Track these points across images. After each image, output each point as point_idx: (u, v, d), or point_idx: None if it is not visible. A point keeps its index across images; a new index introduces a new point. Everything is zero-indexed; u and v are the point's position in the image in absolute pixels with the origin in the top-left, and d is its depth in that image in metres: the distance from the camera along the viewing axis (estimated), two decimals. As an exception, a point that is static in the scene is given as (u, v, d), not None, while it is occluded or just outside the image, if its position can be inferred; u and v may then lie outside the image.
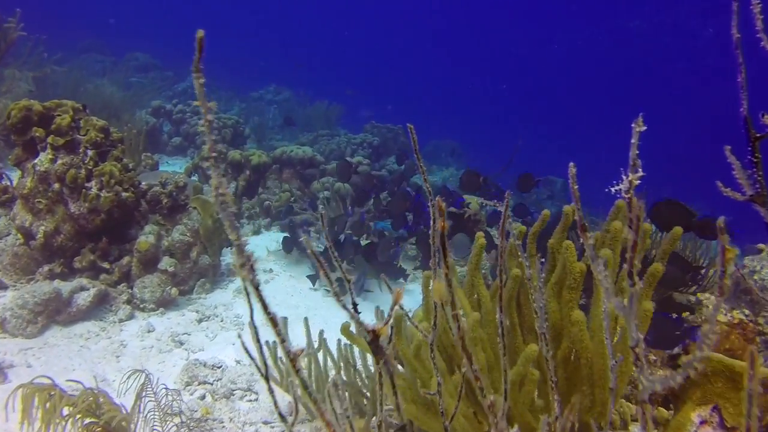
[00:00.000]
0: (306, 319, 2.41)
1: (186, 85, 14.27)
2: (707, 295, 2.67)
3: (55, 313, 3.27)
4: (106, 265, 3.76)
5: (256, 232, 5.88)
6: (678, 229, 1.63)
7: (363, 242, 4.97)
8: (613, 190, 0.66)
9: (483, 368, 1.58)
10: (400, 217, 5.17)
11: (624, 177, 0.64)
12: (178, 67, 15.44)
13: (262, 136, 11.62)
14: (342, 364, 2.29)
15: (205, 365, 2.89)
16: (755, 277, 3.75)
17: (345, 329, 1.88)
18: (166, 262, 3.76)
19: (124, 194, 3.82)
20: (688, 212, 2.86)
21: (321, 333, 2.34)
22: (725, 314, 2.52)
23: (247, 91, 16.21)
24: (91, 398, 1.90)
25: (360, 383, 2.29)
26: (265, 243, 5.56)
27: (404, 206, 5.12)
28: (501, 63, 36.79)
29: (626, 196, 0.65)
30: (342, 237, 4.96)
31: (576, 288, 1.50)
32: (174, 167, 8.41)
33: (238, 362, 3.03)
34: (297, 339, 3.50)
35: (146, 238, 3.75)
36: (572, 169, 0.90)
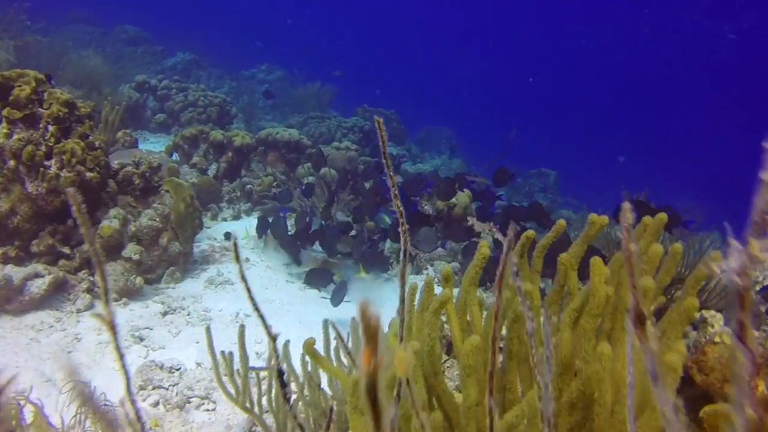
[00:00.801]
0: (268, 329, 2.14)
1: (175, 61, 13.89)
2: (712, 312, 2.45)
3: (4, 301, 3.01)
4: (66, 250, 3.50)
5: (236, 217, 5.62)
6: (678, 248, 1.40)
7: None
8: (716, 268, 0.40)
9: (471, 406, 1.35)
10: (373, 211, 4.95)
11: (735, 248, 0.37)
12: (168, 42, 15.04)
13: (251, 116, 11.30)
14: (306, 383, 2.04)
15: (161, 367, 2.65)
16: (757, 287, 3.54)
17: (308, 347, 1.55)
18: (130, 249, 3.50)
19: (88, 174, 3.55)
20: (653, 212, 2.77)
21: (285, 345, 2.06)
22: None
23: (238, 70, 15.83)
24: (13, 412, 1.65)
25: (325, 404, 2.05)
26: (244, 228, 5.31)
27: (375, 200, 4.91)
28: (503, 52, 36.41)
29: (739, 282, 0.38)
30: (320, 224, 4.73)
31: (597, 316, 1.25)
32: (157, 145, 8.11)
33: (198, 365, 2.79)
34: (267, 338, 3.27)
35: (109, 223, 3.49)
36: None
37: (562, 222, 1.45)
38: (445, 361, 2.59)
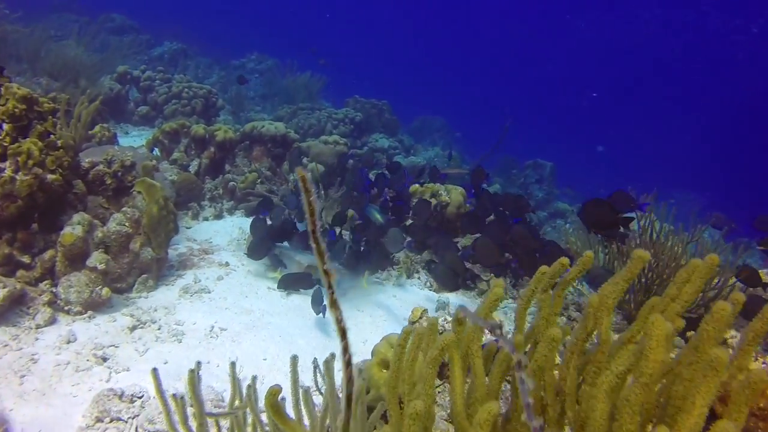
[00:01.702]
0: (233, 364, 1.85)
1: (162, 50, 13.54)
2: (732, 332, 2.20)
3: (-48, 319, 2.74)
4: (26, 259, 3.22)
5: (218, 216, 5.34)
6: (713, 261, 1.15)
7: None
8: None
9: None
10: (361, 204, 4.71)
11: None
12: (156, 31, 14.66)
13: (239, 107, 10.98)
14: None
15: (121, 396, 2.38)
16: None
17: (271, 398, 1.23)
18: (96, 258, 3.22)
19: (49, 177, 3.27)
20: (614, 211, 3.02)
21: (250, 384, 1.76)
22: (755, 358, 2.05)
23: (228, 59, 15.47)
24: None
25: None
26: (227, 229, 5.04)
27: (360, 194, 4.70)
28: (499, 41, 36.00)
29: None
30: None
31: (650, 386, 0.97)
32: (139, 139, 7.80)
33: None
34: (244, 358, 3.01)
35: (72, 229, 3.21)
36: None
37: (589, 254, 1.21)
38: (438, 386, 2.34)
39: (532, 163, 13.14)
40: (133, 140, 7.81)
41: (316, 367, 2.28)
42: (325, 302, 3.63)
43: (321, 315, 3.50)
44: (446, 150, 12.00)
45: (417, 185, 4.80)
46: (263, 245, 4.03)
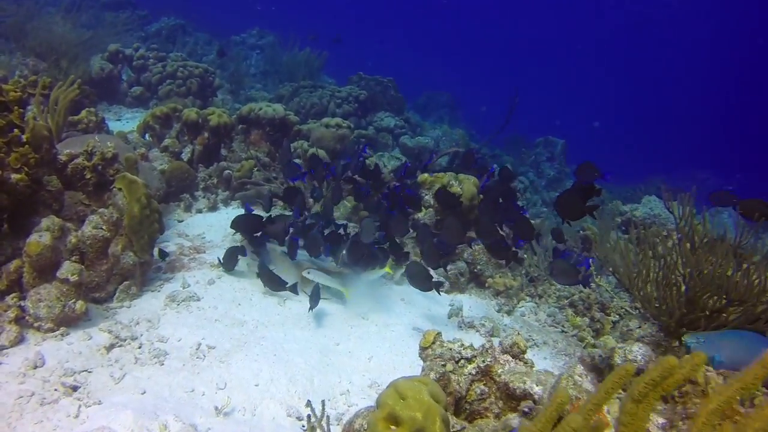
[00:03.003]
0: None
1: (159, 26, 13.07)
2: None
3: None
4: (-11, 270, 2.87)
5: (212, 208, 4.98)
6: None
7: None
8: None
9: None
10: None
11: None
12: (153, 5, 14.14)
13: (239, 86, 10.55)
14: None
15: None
16: None
17: None
18: (67, 269, 2.86)
19: (13, 176, 2.91)
20: (583, 200, 3.22)
21: None
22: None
23: (228, 35, 14.97)
24: None
25: None
26: (222, 222, 4.68)
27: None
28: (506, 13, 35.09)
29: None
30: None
31: None
32: (132, 122, 7.41)
33: (135, 435, 2.17)
34: (233, 384, 2.67)
35: (39, 237, 2.85)
36: None
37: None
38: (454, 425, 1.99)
39: (543, 140, 12.68)
40: (127, 124, 7.44)
41: (312, 410, 1.94)
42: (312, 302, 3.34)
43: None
44: (454, 128, 11.57)
45: (426, 175, 4.41)
46: (233, 256, 3.72)
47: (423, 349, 2.31)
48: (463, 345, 2.27)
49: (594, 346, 3.65)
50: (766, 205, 3.10)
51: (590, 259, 3.95)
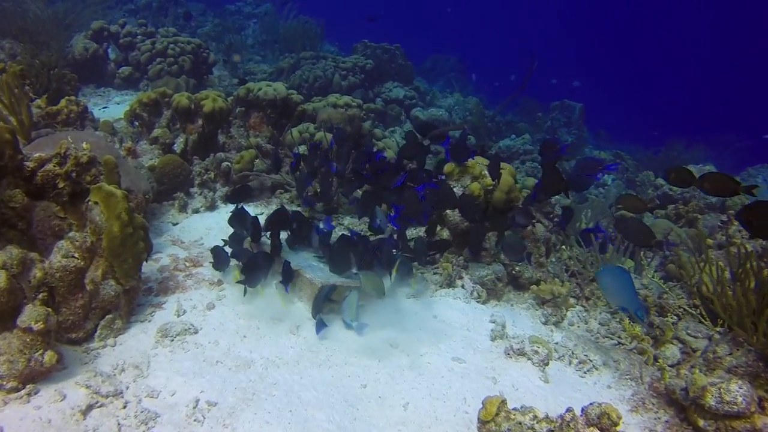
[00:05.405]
0: None
1: (149, -1, 12.29)
2: None
3: None
4: (-63, 317, 2.34)
5: (210, 207, 4.41)
6: None
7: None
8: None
9: None
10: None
11: None
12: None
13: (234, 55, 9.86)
14: None
15: None
16: None
17: None
18: (29, 316, 2.32)
19: (-43, 201, 2.35)
20: (561, 177, 3.32)
21: None
22: None
23: (222, 4, 14.20)
24: None
25: None
26: (221, 224, 4.12)
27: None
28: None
29: None
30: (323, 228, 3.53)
31: None
32: (122, 106, 6.80)
33: None
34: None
35: (-9, 278, 2.30)
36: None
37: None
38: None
39: (559, 104, 11.95)
40: (116, 109, 6.82)
41: None
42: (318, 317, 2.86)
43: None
44: (467, 96, 10.87)
45: (453, 165, 3.81)
46: (255, 269, 3.11)
47: (483, 423, 1.77)
48: (536, 417, 1.73)
49: (657, 359, 3.12)
50: None
51: (603, 232, 3.91)
